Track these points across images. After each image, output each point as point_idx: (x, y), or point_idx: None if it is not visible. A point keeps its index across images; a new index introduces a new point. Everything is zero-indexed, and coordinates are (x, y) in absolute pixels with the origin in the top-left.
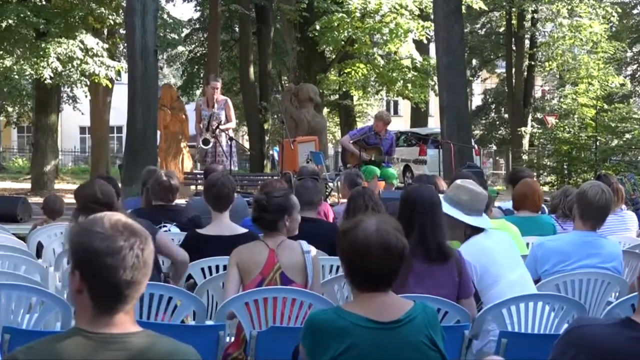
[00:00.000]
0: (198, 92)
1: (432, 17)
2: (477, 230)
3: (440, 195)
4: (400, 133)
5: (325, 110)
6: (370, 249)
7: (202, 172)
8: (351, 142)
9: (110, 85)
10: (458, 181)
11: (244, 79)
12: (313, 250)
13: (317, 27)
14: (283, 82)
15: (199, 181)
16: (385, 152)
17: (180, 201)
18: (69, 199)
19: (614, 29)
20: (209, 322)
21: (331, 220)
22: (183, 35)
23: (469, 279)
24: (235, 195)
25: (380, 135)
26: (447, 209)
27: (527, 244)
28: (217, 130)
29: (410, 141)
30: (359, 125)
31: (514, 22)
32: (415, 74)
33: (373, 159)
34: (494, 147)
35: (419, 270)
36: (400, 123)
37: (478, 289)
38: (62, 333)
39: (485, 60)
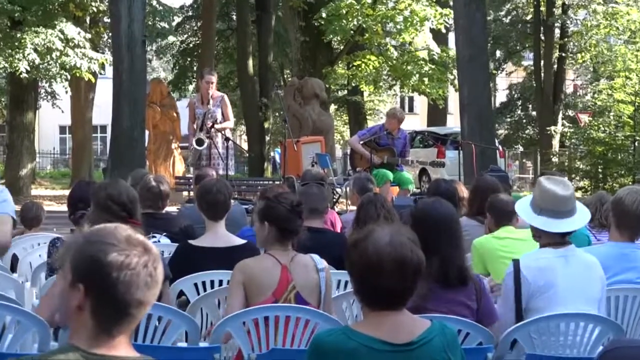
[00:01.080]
0: (191, 87)
1: (451, 3)
2: (561, 239)
3: (524, 200)
4: (416, 133)
5: (333, 107)
6: (382, 263)
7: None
8: (361, 142)
9: (93, 80)
10: (543, 180)
11: (242, 73)
12: (326, 266)
13: (324, 15)
14: (285, 76)
15: (192, 186)
16: (399, 154)
17: (171, 209)
18: (48, 206)
19: None
20: (202, 344)
21: (339, 230)
22: (174, 23)
23: (491, 304)
24: (232, 203)
25: (392, 135)
26: (531, 218)
27: None
28: (212, 129)
29: (427, 142)
30: (370, 124)
31: (542, 8)
32: (433, 67)
33: (385, 161)
34: (521, 149)
35: (433, 293)
36: (416, 122)
37: (525, 308)
38: (57, 349)
39: (510, 51)
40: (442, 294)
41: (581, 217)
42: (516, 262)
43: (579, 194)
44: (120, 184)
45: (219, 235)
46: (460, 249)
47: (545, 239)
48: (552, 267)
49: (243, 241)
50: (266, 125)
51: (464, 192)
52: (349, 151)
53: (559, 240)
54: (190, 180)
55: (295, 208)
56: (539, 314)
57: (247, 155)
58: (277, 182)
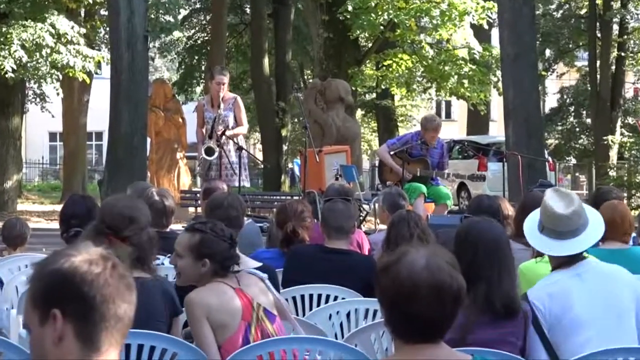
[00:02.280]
0: (199, 89)
1: None
2: (573, 258)
3: (535, 214)
4: (454, 142)
5: (360, 112)
6: (417, 289)
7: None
8: (390, 153)
9: (88, 81)
10: (547, 193)
11: (256, 73)
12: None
13: (350, 8)
14: (306, 77)
15: (200, 202)
16: (435, 166)
17: (176, 227)
18: (36, 222)
19: None
20: None
21: (367, 253)
22: (180, 17)
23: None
24: (246, 220)
25: (428, 144)
26: (531, 236)
27: None
28: (224, 136)
29: (466, 153)
30: (401, 131)
31: (598, 1)
32: (473, 67)
33: (419, 174)
34: (573, 161)
35: (476, 324)
36: (454, 130)
37: (553, 342)
38: None
39: (562, 50)
40: (487, 325)
41: (590, 235)
42: (524, 296)
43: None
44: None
45: None
46: (511, 275)
47: (554, 260)
48: (565, 291)
49: (258, 264)
50: (284, 132)
51: (509, 210)
52: (377, 163)
53: (568, 259)
54: (198, 195)
55: (233, 240)
56: (569, 344)
57: (262, 166)
58: (296, 197)
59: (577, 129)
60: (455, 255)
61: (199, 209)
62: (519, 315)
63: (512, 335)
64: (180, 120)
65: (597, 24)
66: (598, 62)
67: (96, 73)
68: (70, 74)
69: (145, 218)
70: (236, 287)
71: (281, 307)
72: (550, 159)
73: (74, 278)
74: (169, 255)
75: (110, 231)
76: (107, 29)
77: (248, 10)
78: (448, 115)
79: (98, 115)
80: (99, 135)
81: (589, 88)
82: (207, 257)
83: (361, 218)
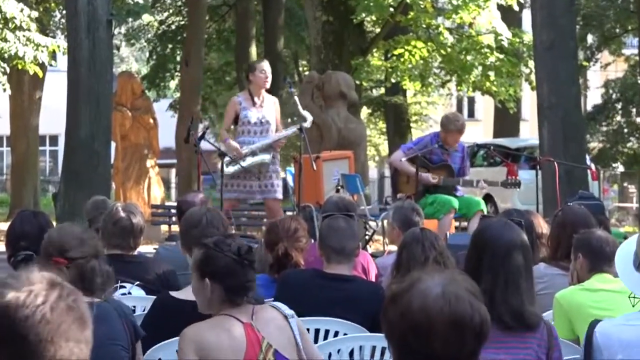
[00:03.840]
0: (173, 83)
1: None
2: None
3: (630, 243)
4: (478, 146)
5: (365, 111)
6: (432, 323)
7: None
8: (404, 159)
9: (40, 74)
10: None
11: (241, 65)
12: (293, 313)
13: None
14: (301, 68)
15: (174, 219)
16: (457, 173)
17: (145, 248)
18: None
19: None
20: None
21: (373, 279)
22: None
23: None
24: None
25: (447, 148)
26: (628, 278)
27: None
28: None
29: (492, 159)
30: (415, 134)
31: None
32: (501, 57)
33: (441, 183)
34: (621, 168)
35: (490, 338)
36: (478, 131)
37: None
38: None
39: (606, 36)
40: (503, 338)
41: None
42: (592, 324)
43: None
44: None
45: None
46: (520, 289)
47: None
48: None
49: None
50: None
51: (542, 227)
52: (388, 171)
53: None
54: (172, 210)
55: (244, 256)
56: None
57: (231, 173)
58: (290, 213)
59: (626, 130)
60: (467, 257)
61: (174, 227)
62: (539, 328)
63: (535, 347)
64: (151, 121)
65: None
66: None
67: (50, 65)
68: (20, 66)
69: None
70: (246, 322)
71: (309, 349)
72: (592, 166)
73: (6, 315)
74: (138, 282)
75: (56, 254)
76: (64, 12)
77: None
78: (471, 114)
79: (52, 115)
80: (54, 140)
81: (639, 81)
82: (208, 277)
83: (367, 237)
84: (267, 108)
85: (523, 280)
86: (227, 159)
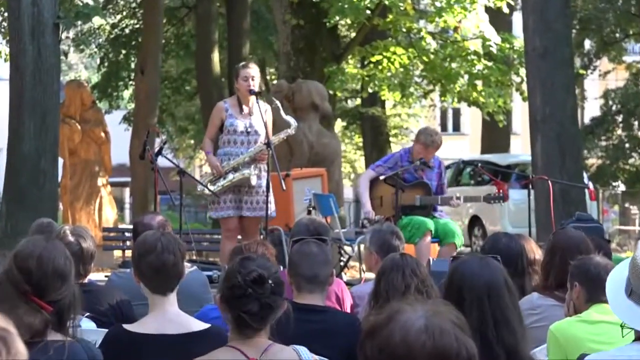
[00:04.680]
0: (127, 93)
1: None
2: None
3: (622, 268)
4: (464, 163)
5: (340, 124)
6: (414, 359)
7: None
8: (381, 178)
9: None
10: None
11: (203, 73)
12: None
13: None
14: (268, 77)
15: (129, 243)
16: (435, 191)
17: (96, 276)
18: None
19: None
20: None
21: (349, 309)
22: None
23: None
24: (188, 267)
25: (415, 164)
26: (615, 300)
27: None
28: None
29: (480, 177)
30: (395, 149)
31: None
32: (489, 64)
33: (419, 203)
34: (622, 187)
35: None
36: (464, 146)
37: None
38: None
39: (606, 41)
40: None
41: None
42: (581, 358)
43: None
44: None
45: (168, 317)
46: (510, 326)
47: None
48: None
49: (205, 325)
50: None
51: (535, 252)
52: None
53: None
54: (126, 234)
55: (248, 284)
56: None
57: (209, 194)
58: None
59: (627, 145)
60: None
61: (129, 252)
62: None
63: None
64: (103, 134)
65: None
66: None
67: None
68: None
69: (72, 270)
70: (252, 357)
71: None
72: (590, 184)
73: None
74: (88, 314)
75: (34, 293)
76: (5, 14)
77: None
78: (456, 127)
79: None
80: None
81: None
82: (224, 301)
83: (342, 264)
84: (257, 117)
85: (513, 316)
86: (206, 176)
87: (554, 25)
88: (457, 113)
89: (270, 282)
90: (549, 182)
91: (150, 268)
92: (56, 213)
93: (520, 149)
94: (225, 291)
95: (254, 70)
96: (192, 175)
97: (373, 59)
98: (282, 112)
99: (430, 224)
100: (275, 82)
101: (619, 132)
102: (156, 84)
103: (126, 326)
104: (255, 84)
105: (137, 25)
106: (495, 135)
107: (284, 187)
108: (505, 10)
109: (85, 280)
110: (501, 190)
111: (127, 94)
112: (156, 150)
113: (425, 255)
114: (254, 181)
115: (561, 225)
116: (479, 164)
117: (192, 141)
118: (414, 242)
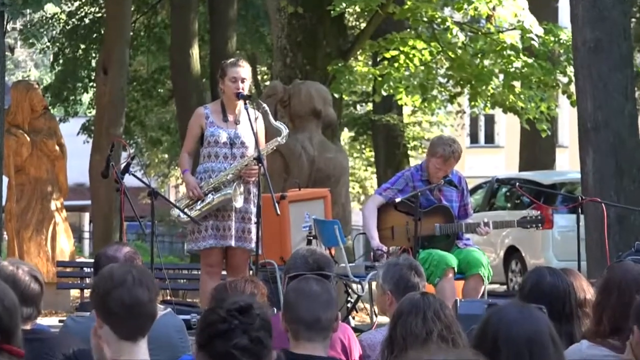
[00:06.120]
0: (87, 97)
1: None
2: None
3: None
4: (499, 182)
5: (347, 134)
6: None
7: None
8: (384, 202)
9: None
10: None
11: (179, 72)
12: None
13: None
14: (260, 77)
15: (88, 280)
16: (458, 214)
17: (49, 321)
18: None
19: None
20: None
21: None
22: None
23: None
24: (161, 309)
25: (438, 184)
26: None
27: None
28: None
29: (518, 199)
30: (413, 163)
31: None
32: (530, 61)
33: (438, 232)
34: None
35: None
36: (499, 161)
37: None
38: None
39: None
40: None
41: None
42: None
43: None
44: None
45: None
46: None
47: None
48: None
49: None
50: None
51: (585, 291)
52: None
53: None
54: (86, 269)
55: (244, 309)
56: None
57: (185, 220)
58: (245, 277)
59: None
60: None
61: (88, 291)
62: None
63: None
64: (57, 148)
65: None
66: None
67: None
68: None
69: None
70: None
71: None
72: None
73: None
74: None
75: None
76: None
77: None
78: (489, 139)
79: None
80: None
81: None
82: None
83: (349, 306)
84: (244, 126)
85: None
86: (182, 201)
87: (610, 13)
88: (490, 121)
89: (257, 313)
90: (603, 205)
91: (121, 305)
92: None
93: (567, 164)
94: (204, 333)
95: (244, 70)
96: (166, 197)
97: (387, 55)
98: (271, 118)
99: (452, 260)
100: (268, 83)
101: None
102: (122, 86)
103: None
104: (246, 87)
105: (99, 14)
106: (536, 148)
107: (278, 212)
108: None
109: (33, 327)
110: (542, 214)
111: (86, 98)
112: (122, 166)
113: (448, 299)
114: (239, 203)
115: (617, 257)
116: (517, 184)
117: (166, 155)
118: (434, 283)
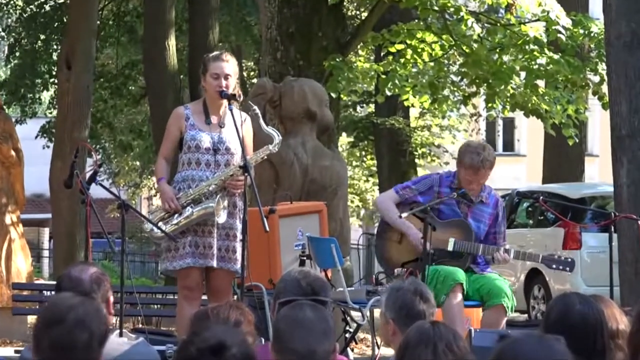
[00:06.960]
0: (47, 95)
1: None
2: None
3: None
4: (519, 195)
5: (345, 139)
6: None
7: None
8: (403, 214)
9: None
10: None
11: (154, 67)
12: None
13: None
14: (246, 73)
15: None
16: (483, 236)
17: (3, 351)
18: None
19: None
20: None
21: None
22: None
23: None
24: (133, 339)
25: (470, 194)
26: None
27: None
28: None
29: (542, 215)
30: (422, 173)
31: None
32: (556, 57)
33: (452, 248)
34: None
35: None
36: (520, 172)
37: None
38: None
39: None
40: None
41: None
42: None
43: None
44: None
45: None
46: None
47: None
48: None
49: None
50: None
51: (618, 321)
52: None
53: None
54: (46, 293)
55: (216, 348)
56: None
57: (159, 236)
58: (229, 302)
59: None
60: None
61: None
62: None
63: None
64: (13, 153)
65: None
66: None
67: None
68: None
69: None
70: None
71: None
72: None
73: None
74: None
75: None
76: None
77: None
78: (509, 146)
79: None
80: None
81: None
82: None
83: (347, 336)
84: (229, 129)
85: None
86: (157, 214)
87: None
88: (509, 125)
89: (234, 351)
90: (638, 222)
91: (51, 347)
92: None
93: (598, 176)
94: None
95: (229, 65)
96: (138, 210)
97: (392, 49)
98: (262, 122)
99: (460, 275)
100: (255, 80)
101: None
102: (88, 83)
103: None
104: (230, 84)
105: (62, 0)
106: (563, 157)
107: (267, 228)
108: None
109: None
110: (572, 259)
111: (47, 96)
112: (88, 175)
113: (454, 321)
114: (222, 218)
115: None
116: (541, 198)
117: (138, 162)
118: (440, 302)
